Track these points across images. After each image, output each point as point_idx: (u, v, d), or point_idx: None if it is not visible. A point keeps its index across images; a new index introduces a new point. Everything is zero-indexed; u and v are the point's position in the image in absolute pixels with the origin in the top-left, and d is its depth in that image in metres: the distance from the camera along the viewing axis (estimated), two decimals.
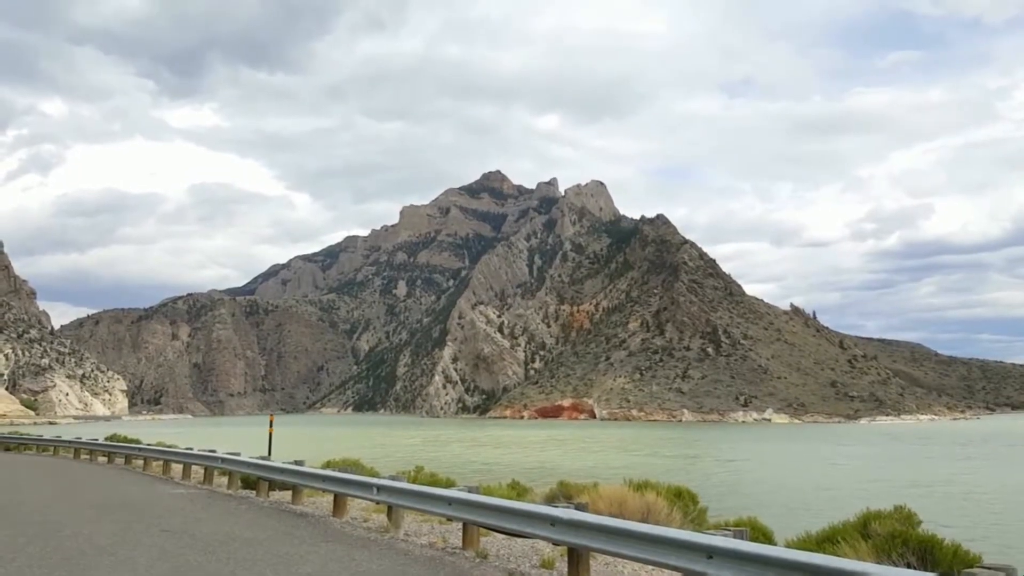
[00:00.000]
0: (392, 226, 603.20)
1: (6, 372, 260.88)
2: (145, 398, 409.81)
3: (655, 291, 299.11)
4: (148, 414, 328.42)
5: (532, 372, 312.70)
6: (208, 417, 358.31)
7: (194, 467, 22.76)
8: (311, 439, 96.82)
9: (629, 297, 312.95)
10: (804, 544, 9.60)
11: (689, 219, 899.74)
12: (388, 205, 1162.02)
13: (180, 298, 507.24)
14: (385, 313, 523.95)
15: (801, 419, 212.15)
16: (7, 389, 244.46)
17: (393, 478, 13.01)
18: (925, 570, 7.97)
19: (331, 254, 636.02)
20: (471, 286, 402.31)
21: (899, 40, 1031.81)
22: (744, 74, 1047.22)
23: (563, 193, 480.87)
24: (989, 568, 5.97)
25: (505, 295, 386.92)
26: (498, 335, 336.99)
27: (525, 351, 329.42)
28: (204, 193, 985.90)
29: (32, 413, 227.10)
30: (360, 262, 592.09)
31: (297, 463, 16.48)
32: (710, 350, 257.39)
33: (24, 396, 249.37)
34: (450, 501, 10.61)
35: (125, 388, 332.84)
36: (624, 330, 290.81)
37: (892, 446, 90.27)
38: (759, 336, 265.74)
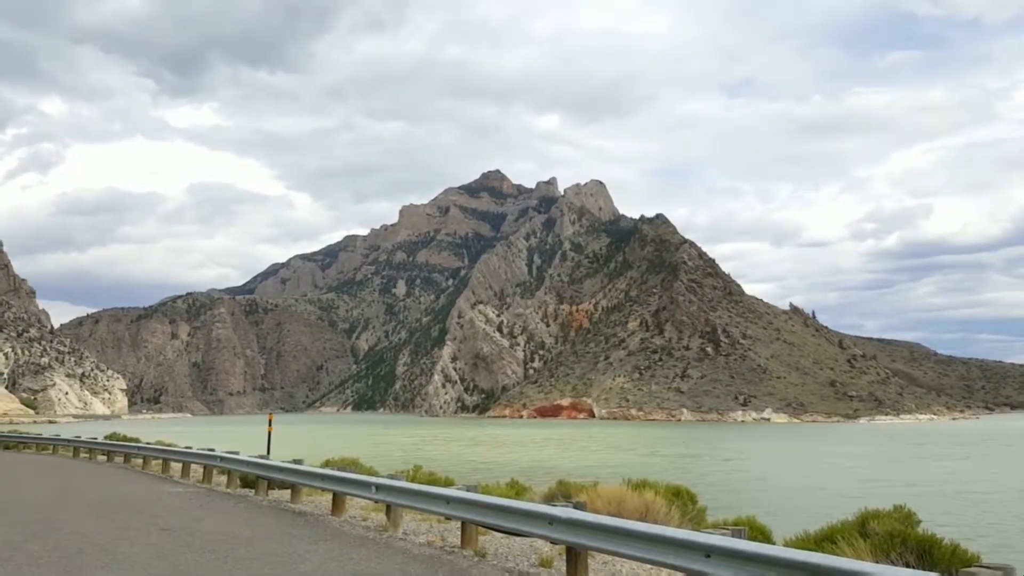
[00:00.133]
0: (392, 225, 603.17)
1: (6, 371, 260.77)
2: (145, 397, 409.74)
3: (654, 291, 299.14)
4: (148, 413, 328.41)
5: (531, 371, 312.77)
6: (207, 416, 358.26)
7: (193, 466, 22.76)
8: (310, 438, 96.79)
9: (628, 297, 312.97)
10: (803, 543, 9.59)
11: (689, 219, 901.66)
12: (388, 204, 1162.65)
13: (179, 297, 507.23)
14: (384, 312, 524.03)
15: (800, 419, 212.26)
16: (7, 388, 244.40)
17: (392, 477, 13.00)
18: (924, 569, 7.96)
19: (330, 253, 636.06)
20: (470, 285, 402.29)
21: (899, 40, 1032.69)
22: (744, 75, 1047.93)
23: (562, 193, 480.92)
24: (987, 567, 5.95)
25: (504, 294, 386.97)
26: (497, 334, 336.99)
27: (524, 350, 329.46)
28: (204, 193, 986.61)
29: (32, 412, 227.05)
30: (359, 261, 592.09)
31: (296, 462, 16.48)
32: (709, 350, 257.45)
33: (24, 395, 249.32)
34: (448, 500, 10.61)
35: (125, 387, 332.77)
36: (623, 329, 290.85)
37: (891, 446, 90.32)
38: (758, 336, 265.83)
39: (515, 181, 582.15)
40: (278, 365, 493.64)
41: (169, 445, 28.95)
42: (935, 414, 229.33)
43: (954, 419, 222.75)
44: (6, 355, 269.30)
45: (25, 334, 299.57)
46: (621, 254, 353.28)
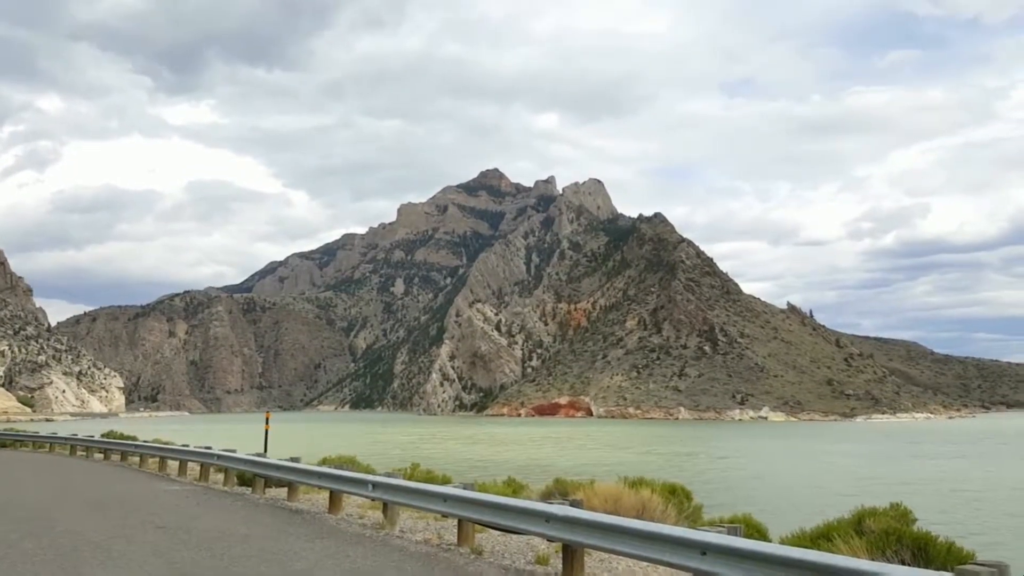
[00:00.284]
0: (390, 224, 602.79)
1: (3, 369, 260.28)
2: (142, 395, 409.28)
3: (652, 289, 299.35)
4: (145, 411, 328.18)
5: (529, 370, 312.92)
6: (205, 414, 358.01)
7: (190, 464, 22.74)
8: (308, 436, 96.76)
9: (626, 295, 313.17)
10: (799, 541, 9.61)
11: (688, 218, 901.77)
12: (386, 203, 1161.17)
13: (177, 295, 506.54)
14: (382, 311, 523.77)
15: (797, 417, 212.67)
16: (4, 386, 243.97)
17: (388, 475, 13.01)
18: (919, 567, 7.98)
19: (328, 252, 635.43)
20: (469, 284, 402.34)
21: (899, 40, 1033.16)
22: (744, 74, 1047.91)
23: (561, 191, 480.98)
24: (982, 565, 5.96)
25: (503, 293, 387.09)
26: (495, 333, 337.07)
27: (522, 349, 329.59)
28: (202, 190, 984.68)
29: (29, 410, 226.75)
30: (357, 260, 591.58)
31: (293, 460, 16.48)
32: (707, 348, 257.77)
33: (21, 393, 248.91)
34: (445, 498, 10.61)
35: (122, 385, 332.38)
36: (621, 328, 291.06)
37: (887, 444, 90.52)
38: (756, 334, 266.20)
39: (514, 180, 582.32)
40: (276, 363, 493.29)
41: (166, 443, 28.91)
42: (932, 413, 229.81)
43: (950, 418, 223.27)
44: (3, 353, 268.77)
45: (22, 332, 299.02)
46: (619, 253, 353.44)
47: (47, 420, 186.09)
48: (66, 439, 36.33)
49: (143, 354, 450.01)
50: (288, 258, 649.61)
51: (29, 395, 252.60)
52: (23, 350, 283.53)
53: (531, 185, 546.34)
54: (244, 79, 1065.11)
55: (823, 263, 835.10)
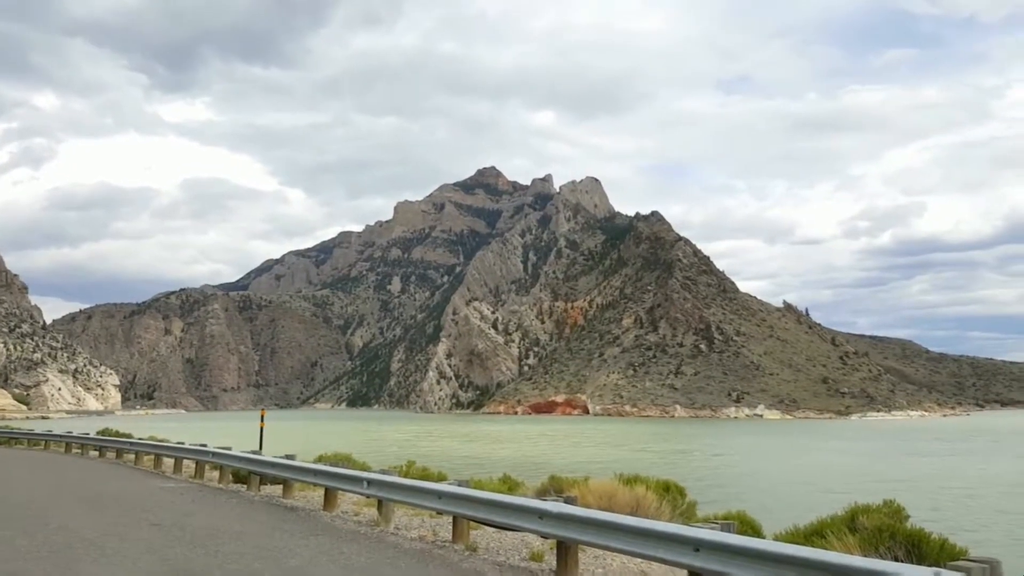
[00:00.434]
0: (386, 222, 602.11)
1: None
2: (138, 393, 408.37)
3: (649, 288, 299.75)
4: (141, 409, 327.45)
5: (526, 368, 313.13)
6: (201, 412, 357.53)
7: (185, 461, 22.71)
8: (304, 434, 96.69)
9: (623, 294, 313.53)
10: (792, 537, 9.62)
11: (684, 217, 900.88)
12: (382, 201, 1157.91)
13: (173, 293, 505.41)
14: (379, 309, 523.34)
15: (792, 415, 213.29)
16: None
17: (383, 472, 13.02)
18: (912, 563, 8.00)
19: (325, 249, 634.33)
20: (465, 282, 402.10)
21: (895, 38, 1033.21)
22: (740, 72, 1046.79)
23: (558, 190, 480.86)
24: (974, 561, 6.00)
25: (499, 291, 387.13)
26: (492, 331, 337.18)
27: (519, 347, 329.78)
28: (197, 188, 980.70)
29: (24, 408, 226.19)
30: (354, 258, 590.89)
31: (288, 457, 16.47)
32: (703, 347, 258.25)
33: (16, 391, 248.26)
34: (440, 495, 10.63)
35: (118, 383, 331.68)
36: (618, 326, 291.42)
37: (882, 442, 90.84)
38: (752, 333, 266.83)
39: (510, 178, 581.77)
40: (272, 362, 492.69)
41: (161, 441, 28.90)
42: (926, 411, 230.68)
43: (945, 416, 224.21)
44: None
45: (17, 330, 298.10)
46: (616, 251, 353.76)
47: (43, 418, 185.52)
48: (61, 436, 36.25)
49: (139, 352, 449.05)
50: (284, 256, 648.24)
51: (25, 393, 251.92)
52: (18, 348, 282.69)
53: (528, 183, 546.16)
54: (240, 76, 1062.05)
55: (819, 261, 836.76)
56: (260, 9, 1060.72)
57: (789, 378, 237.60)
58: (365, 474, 12.98)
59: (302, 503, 15.34)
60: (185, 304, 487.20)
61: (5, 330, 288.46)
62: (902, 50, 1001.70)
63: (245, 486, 18.04)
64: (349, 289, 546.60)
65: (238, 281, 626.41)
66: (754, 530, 10.67)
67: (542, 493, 13.14)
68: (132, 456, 27.29)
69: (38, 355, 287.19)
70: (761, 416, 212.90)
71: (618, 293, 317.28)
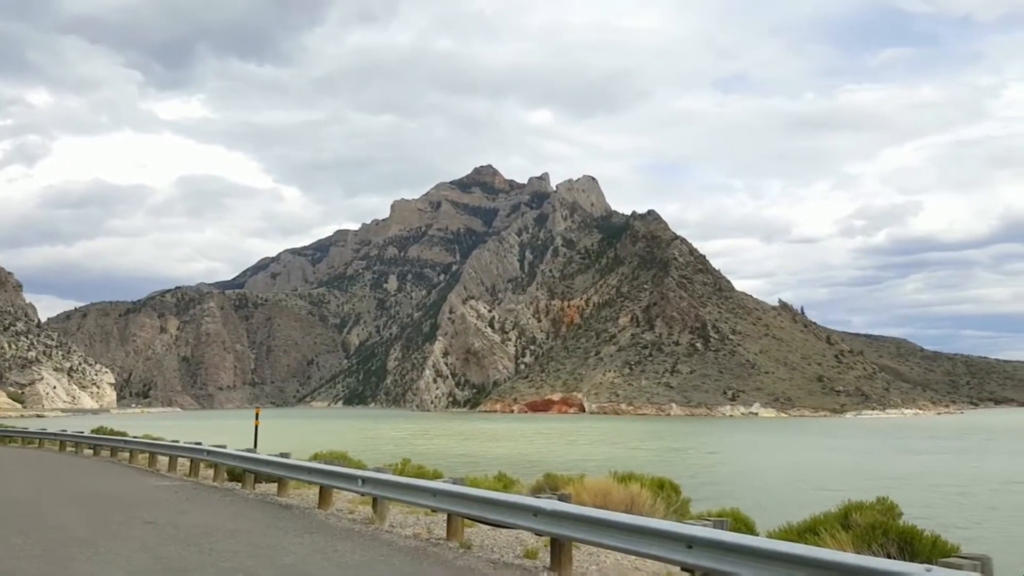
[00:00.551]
0: (383, 220, 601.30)
1: None
2: (134, 391, 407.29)
3: (645, 286, 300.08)
4: (137, 407, 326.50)
5: (522, 366, 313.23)
6: (197, 410, 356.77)
7: (180, 460, 22.67)
8: (300, 432, 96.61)
9: (619, 292, 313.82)
10: (785, 535, 9.65)
11: (681, 215, 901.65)
12: (379, 199, 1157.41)
13: (168, 291, 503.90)
14: (375, 307, 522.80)
15: (788, 413, 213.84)
16: None
17: (378, 470, 13.01)
18: (905, 560, 8.04)
19: (321, 248, 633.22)
20: (462, 281, 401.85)
21: (892, 37, 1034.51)
22: (737, 71, 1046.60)
23: (554, 188, 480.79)
24: (965, 558, 6.04)
25: (496, 290, 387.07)
26: (488, 330, 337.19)
27: (515, 346, 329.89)
28: (193, 185, 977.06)
29: (19, 406, 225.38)
30: (350, 256, 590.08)
31: (283, 455, 16.46)
32: (699, 345, 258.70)
33: (11, 389, 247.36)
34: (434, 492, 10.64)
35: (113, 381, 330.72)
36: (614, 325, 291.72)
37: (876, 440, 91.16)
38: (747, 331, 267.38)
39: (507, 176, 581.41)
40: (268, 360, 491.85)
41: (156, 439, 28.84)
42: (921, 409, 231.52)
43: (939, 414, 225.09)
44: None
45: (12, 328, 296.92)
46: (612, 250, 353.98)
47: (38, 416, 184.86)
48: (55, 435, 36.15)
49: (134, 350, 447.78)
50: (280, 254, 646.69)
51: (19, 391, 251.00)
52: (13, 346, 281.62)
53: (525, 182, 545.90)
54: (235, 74, 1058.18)
55: (815, 260, 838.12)
56: (256, 6, 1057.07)
57: (784, 376, 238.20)
58: (360, 472, 12.98)
59: (297, 501, 15.33)
60: (181, 302, 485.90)
61: (0, 328, 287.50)
62: (898, 49, 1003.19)
63: (240, 484, 18.02)
64: (345, 287, 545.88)
65: (234, 279, 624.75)
66: (748, 527, 10.70)
67: (537, 491, 13.15)
68: (126, 454, 27.24)
69: (33, 353, 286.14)
70: (756, 414, 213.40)
71: (614, 292, 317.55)
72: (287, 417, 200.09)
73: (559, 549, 8.73)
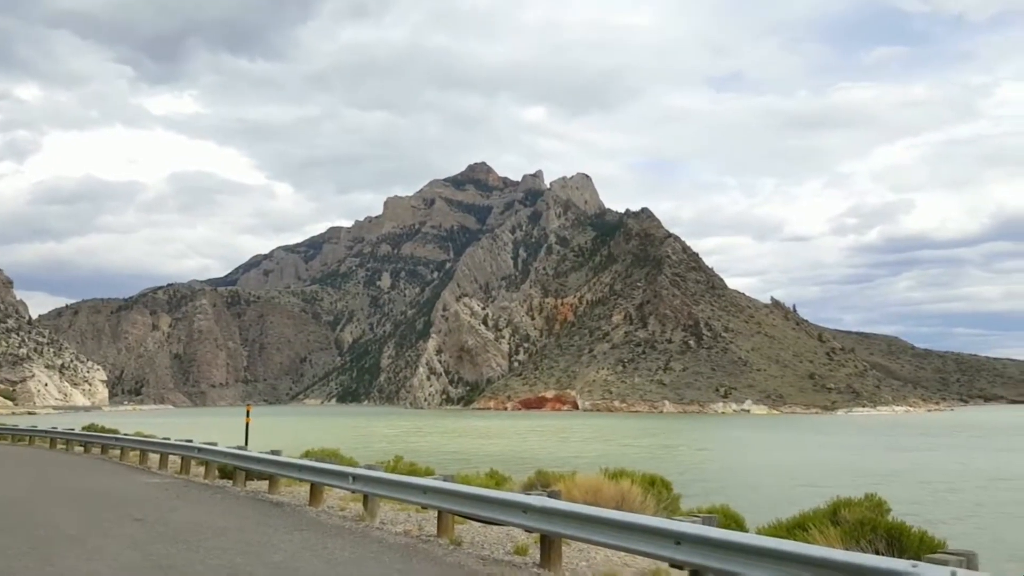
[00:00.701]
0: (376, 217, 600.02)
1: None
2: (126, 388, 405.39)
3: (638, 284, 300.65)
4: (129, 405, 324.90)
5: (516, 364, 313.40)
6: (190, 408, 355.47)
7: (171, 457, 22.58)
8: (293, 430, 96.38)
9: (613, 290, 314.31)
10: (775, 531, 9.69)
11: (674, 213, 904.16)
12: (372, 196, 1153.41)
13: (160, 288, 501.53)
14: (369, 305, 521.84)
15: (779, 410, 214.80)
16: None
17: (368, 467, 13.00)
18: (893, 555, 8.09)
19: (314, 245, 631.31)
20: (455, 278, 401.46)
21: (885, 36, 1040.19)
22: (731, 69, 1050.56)
23: (548, 186, 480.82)
24: (951, 554, 6.07)
25: (489, 287, 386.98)
26: (482, 327, 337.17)
27: (509, 343, 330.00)
28: (185, 182, 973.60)
29: (10, 403, 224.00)
30: (343, 253, 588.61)
31: (274, 453, 16.42)
32: (692, 343, 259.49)
33: (2, 386, 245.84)
34: (425, 490, 10.63)
35: (105, 378, 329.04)
36: (607, 323, 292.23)
37: (866, 437, 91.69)
38: (740, 329, 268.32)
39: (501, 174, 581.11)
40: (261, 357, 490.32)
41: (147, 436, 28.71)
42: (911, 406, 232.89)
43: (929, 411, 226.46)
44: None
45: (2, 325, 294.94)
46: (606, 248, 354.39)
47: (29, 413, 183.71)
48: (46, 432, 35.97)
49: (126, 347, 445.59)
50: (273, 251, 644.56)
51: (11, 389, 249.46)
52: (4, 343, 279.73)
53: (519, 179, 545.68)
54: (227, 69, 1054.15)
55: (807, 258, 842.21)
56: (248, 1, 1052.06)
57: (776, 374, 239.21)
58: (350, 469, 12.97)
59: (288, 498, 15.30)
60: (173, 299, 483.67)
61: None
62: (892, 48, 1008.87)
63: (231, 482, 17.97)
64: (339, 285, 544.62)
65: (226, 276, 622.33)
66: (737, 523, 10.74)
67: (529, 487, 13.16)
68: (117, 452, 27.11)
69: (24, 350, 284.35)
70: (748, 411, 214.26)
71: (608, 289, 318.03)
72: (280, 415, 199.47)
73: (549, 546, 8.74)
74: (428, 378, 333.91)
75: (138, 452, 25.08)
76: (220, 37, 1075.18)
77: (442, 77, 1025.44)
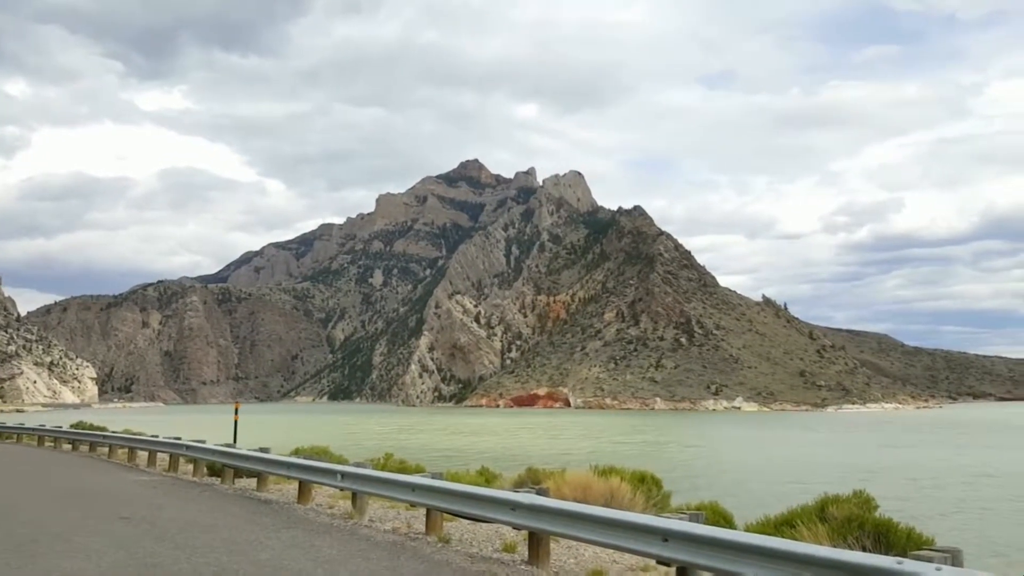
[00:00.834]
0: (368, 214, 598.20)
1: None
2: (115, 386, 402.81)
3: (631, 282, 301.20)
4: (119, 402, 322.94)
5: (508, 361, 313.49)
6: (180, 405, 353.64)
7: (159, 455, 22.46)
8: (283, 427, 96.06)
9: (605, 288, 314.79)
10: (763, 528, 9.73)
11: (666, 211, 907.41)
12: (364, 193, 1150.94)
13: (150, 285, 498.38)
14: (361, 302, 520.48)
15: (770, 407, 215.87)
16: None
17: (357, 465, 12.95)
18: (880, 552, 8.12)
19: (305, 242, 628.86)
20: (448, 275, 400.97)
21: (877, 34, 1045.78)
22: (724, 67, 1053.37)
23: (541, 183, 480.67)
24: (937, 551, 6.09)
25: (482, 285, 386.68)
26: (475, 325, 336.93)
27: (501, 341, 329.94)
28: (175, 178, 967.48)
29: None
30: (335, 250, 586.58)
31: (262, 450, 16.34)
32: (683, 340, 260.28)
33: None
34: (413, 487, 10.60)
35: (95, 376, 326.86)
36: (600, 320, 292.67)
37: (855, 433, 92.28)
38: (731, 327, 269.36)
39: (494, 171, 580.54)
40: (252, 355, 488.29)
41: (136, 434, 28.51)
42: (901, 403, 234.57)
43: (919, 408, 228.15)
44: None
45: None
46: (599, 245, 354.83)
47: (17, 411, 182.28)
48: (34, 430, 35.70)
49: (116, 344, 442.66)
50: (264, 248, 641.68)
51: None
52: None
53: (511, 176, 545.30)
54: (218, 65, 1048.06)
55: (798, 256, 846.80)
56: None
57: (767, 371, 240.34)
58: (339, 467, 12.91)
59: (276, 496, 15.22)
60: (163, 296, 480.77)
61: None
62: (884, 46, 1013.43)
63: (219, 479, 17.88)
64: (330, 282, 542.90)
65: (217, 273, 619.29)
66: (726, 520, 10.77)
67: (519, 485, 13.15)
68: (105, 449, 26.93)
69: (12, 347, 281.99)
70: (739, 408, 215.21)
71: (600, 287, 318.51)
72: (270, 412, 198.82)
73: (537, 543, 8.73)
74: (420, 375, 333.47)
75: (126, 450, 24.94)
76: (211, 32, 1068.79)
77: (435, 74, 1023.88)
